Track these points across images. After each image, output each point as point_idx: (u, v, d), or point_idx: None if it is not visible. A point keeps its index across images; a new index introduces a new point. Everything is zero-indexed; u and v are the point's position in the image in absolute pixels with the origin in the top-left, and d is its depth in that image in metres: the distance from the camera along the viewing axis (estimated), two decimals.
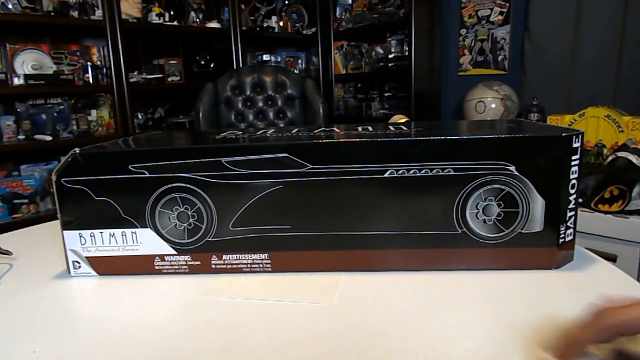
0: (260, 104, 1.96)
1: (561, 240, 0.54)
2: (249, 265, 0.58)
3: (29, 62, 2.15)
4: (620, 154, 0.97)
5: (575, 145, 0.51)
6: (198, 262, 0.58)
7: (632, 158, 0.93)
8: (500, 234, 0.54)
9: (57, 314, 0.51)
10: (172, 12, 2.55)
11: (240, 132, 0.69)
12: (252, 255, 0.58)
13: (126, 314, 0.50)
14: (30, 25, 2.14)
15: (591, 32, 2.20)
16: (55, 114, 2.22)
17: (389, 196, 0.54)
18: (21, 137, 2.14)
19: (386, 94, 3.04)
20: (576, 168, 0.52)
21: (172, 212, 0.57)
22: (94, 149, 0.58)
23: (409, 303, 0.49)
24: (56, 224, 0.61)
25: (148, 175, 0.56)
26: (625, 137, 1.77)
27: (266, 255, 0.57)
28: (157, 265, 0.59)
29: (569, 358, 0.34)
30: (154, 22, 2.45)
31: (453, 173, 0.52)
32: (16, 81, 2.06)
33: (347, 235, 0.56)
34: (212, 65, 2.81)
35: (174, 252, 0.58)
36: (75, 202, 0.57)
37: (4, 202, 2.06)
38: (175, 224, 0.57)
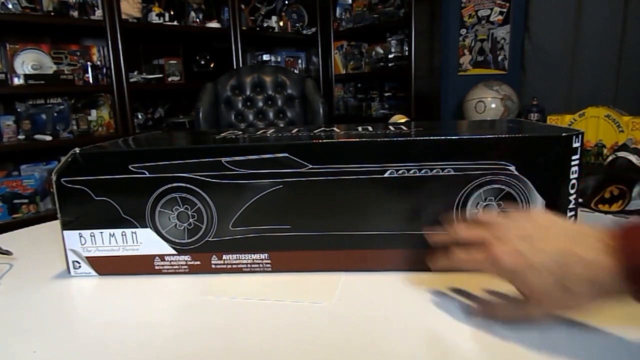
0: (260, 104, 1.95)
1: None
2: (249, 265, 0.58)
3: (29, 62, 2.15)
4: (621, 154, 0.96)
5: (575, 145, 0.51)
6: (198, 262, 0.58)
7: (632, 158, 0.92)
8: None
9: (57, 313, 0.51)
10: (172, 12, 2.55)
11: (240, 132, 0.69)
12: (252, 255, 0.58)
13: (126, 314, 0.50)
14: (30, 25, 2.14)
15: (591, 32, 2.20)
16: (55, 114, 2.22)
17: (388, 196, 0.54)
18: (21, 137, 2.14)
19: (386, 94, 3.04)
20: (576, 168, 0.52)
21: (172, 212, 0.57)
22: (94, 149, 0.58)
23: (409, 303, 0.49)
24: (56, 224, 0.61)
25: (148, 175, 0.56)
26: (625, 137, 1.77)
27: (266, 255, 0.57)
28: (157, 265, 0.59)
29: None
30: (154, 22, 2.45)
31: (453, 173, 0.52)
32: (16, 81, 2.06)
33: (347, 235, 0.56)
34: (212, 65, 2.81)
35: (174, 252, 0.58)
36: (75, 202, 0.57)
37: (4, 202, 2.06)
38: (175, 224, 0.57)
